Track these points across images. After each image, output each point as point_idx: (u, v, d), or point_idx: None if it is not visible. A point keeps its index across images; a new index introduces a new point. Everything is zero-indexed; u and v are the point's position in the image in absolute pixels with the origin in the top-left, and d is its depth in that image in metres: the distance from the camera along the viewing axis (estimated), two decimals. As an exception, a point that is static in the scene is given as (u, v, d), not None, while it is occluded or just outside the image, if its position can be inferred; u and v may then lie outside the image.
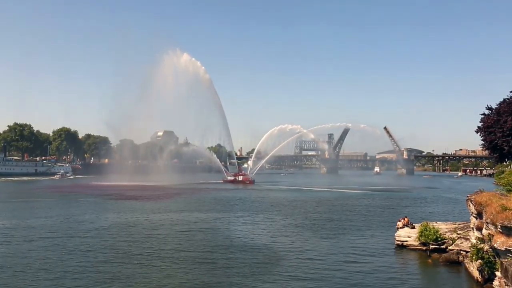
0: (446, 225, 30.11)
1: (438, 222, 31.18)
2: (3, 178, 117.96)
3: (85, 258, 24.74)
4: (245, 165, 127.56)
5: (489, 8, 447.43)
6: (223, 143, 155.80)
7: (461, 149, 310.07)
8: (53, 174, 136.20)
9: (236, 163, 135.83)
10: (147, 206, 53.53)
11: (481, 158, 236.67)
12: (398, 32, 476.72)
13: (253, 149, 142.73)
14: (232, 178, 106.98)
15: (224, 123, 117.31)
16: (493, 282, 19.49)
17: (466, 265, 23.33)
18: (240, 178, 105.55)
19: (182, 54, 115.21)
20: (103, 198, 63.62)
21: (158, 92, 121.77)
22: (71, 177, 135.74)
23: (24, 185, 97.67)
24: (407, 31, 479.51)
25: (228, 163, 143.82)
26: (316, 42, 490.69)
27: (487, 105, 29.75)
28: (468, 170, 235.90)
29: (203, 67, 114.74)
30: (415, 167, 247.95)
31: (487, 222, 20.21)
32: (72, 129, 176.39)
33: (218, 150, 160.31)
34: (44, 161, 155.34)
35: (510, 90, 28.01)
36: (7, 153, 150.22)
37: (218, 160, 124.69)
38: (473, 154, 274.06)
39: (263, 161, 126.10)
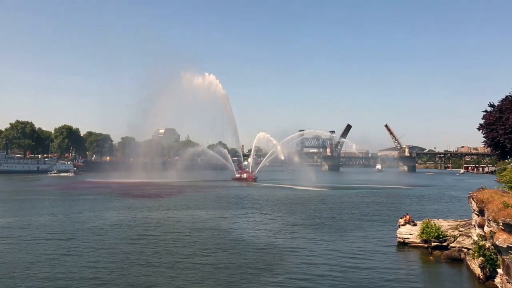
0: (448, 222, 30.12)
1: (439, 219, 31.21)
2: (16, 176, 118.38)
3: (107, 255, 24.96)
4: (245, 163, 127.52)
5: (491, 6, 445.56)
6: (224, 140, 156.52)
7: (463, 147, 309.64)
8: (60, 171, 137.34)
9: (242, 160, 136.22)
10: (167, 203, 54.31)
11: (483, 155, 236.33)
12: (401, 30, 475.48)
13: (254, 147, 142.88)
14: (239, 175, 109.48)
15: (233, 126, 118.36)
16: (495, 279, 19.50)
17: (468, 262, 23.34)
18: (245, 175, 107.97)
19: (201, 73, 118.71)
20: (127, 195, 63.87)
21: (170, 99, 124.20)
22: (83, 173, 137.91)
23: (40, 182, 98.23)
24: (409, 29, 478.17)
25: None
26: (317, 40, 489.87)
27: (489, 102, 29.71)
28: (470, 168, 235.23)
29: (220, 85, 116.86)
30: (416, 164, 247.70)
31: (489, 219, 20.20)
32: (74, 126, 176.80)
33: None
34: (46, 159, 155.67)
35: None
36: (9, 150, 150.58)
37: (231, 161, 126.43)
38: (475, 151, 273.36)
39: (264, 159, 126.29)
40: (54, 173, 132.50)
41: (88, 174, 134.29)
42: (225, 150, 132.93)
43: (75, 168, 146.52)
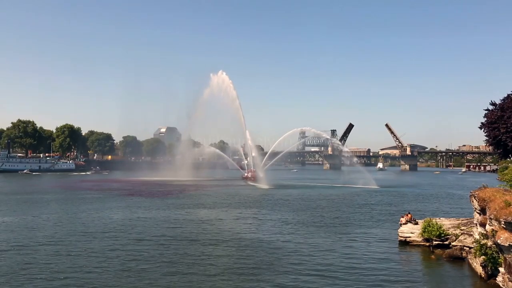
0: (450, 221, 30.07)
1: (441, 218, 31.16)
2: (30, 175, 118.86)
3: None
4: (245, 161, 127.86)
5: (492, 5, 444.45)
6: (226, 139, 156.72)
7: (464, 145, 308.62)
8: (32, 171, 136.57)
9: (241, 159, 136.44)
10: (179, 201, 54.81)
11: (485, 154, 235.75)
12: (402, 29, 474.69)
13: (256, 145, 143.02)
14: (246, 174, 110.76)
15: (242, 126, 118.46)
16: (497, 278, 19.47)
17: (470, 261, 23.32)
18: (249, 174, 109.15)
19: (221, 75, 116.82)
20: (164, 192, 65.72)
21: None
22: (105, 172, 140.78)
23: (60, 179, 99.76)
24: (410, 28, 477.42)
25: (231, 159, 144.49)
26: (318, 40, 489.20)
27: (491, 101, 29.67)
28: (471, 166, 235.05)
29: (231, 85, 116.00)
30: (418, 163, 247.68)
31: (490, 218, 20.15)
32: (75, 125, 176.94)
33: (220, 146, 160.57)
34: (48, 158, 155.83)
35: None
36: (10, 150, 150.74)
37: (243, 160, 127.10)
38: (476, 150, 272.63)
39: (263, 159, 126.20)
40: (26, 172, 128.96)
41: (113, 173, 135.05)
42: (240, 152, 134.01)
43: (97, 167, 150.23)
